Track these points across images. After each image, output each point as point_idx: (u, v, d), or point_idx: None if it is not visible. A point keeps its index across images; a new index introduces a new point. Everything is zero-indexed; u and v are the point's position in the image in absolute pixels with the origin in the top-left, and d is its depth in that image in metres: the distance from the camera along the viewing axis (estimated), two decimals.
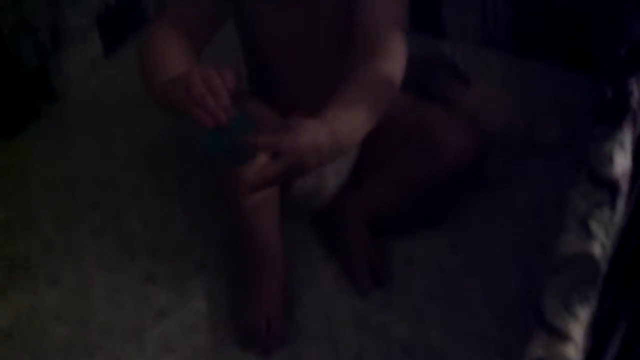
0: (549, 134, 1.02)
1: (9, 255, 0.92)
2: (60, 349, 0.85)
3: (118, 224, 0.95)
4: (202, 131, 0.67)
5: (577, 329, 0.57)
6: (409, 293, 0.88)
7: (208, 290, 0.90)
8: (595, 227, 0.66)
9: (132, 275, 0.91)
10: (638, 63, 0.84)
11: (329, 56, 0.88)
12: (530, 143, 1.02)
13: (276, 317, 0.86)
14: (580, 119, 1.04)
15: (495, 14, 1.21)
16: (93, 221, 0.96)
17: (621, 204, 0.71)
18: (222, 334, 0.86)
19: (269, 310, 0.86)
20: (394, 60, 0.81)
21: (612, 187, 0.71)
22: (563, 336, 0.57)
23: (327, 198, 0.94)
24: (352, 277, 0.91)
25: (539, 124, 1.03)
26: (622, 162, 0.71)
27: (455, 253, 0.92)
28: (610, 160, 0.72)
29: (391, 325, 0.85)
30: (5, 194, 1.00)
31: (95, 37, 1.21)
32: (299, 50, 0.88)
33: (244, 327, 0.86)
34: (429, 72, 1.12)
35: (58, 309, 0.88)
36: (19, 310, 0.88)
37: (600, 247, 0.64)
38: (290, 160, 0.67)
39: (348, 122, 0.74)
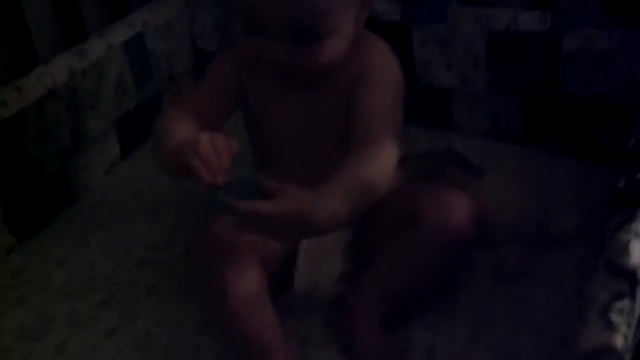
0: (566, 225, 1.02)
1: (23, 357, 0.91)
2: None
3: (133, 324, 0.94)
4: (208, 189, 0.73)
5: None
6: None
7: None
8: (616, 318, 0.65)
9: None
10: None
11: (330, 147, 0.91)
12: (546, 234, 1.02)
13: None
14: (596, 208, 1.04)
15: (505, 108, 1.23)
16: (108, 322, 0.95)
17: None
18: None
19: None
20: (384, 160, 0.84)
21: (630, 277, 0.70)
22: None
23: (331, 289, 0.93)
24: None
25: (555, 215, 1.03)
26: (639, 252, 0.71)
27: (477, 343, 0.89)
28: (626, 250, 0.71)
29: None
30: (20, 296, 1.00)
31: (114, 139, 1.24)
32: (300, 139, 0.92)
33: None
34: (439, 166, 1.13)
35: None
36: None
37: (622, 338, 0.63)
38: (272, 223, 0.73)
39: (330, 206, 0.77)
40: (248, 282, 0.85)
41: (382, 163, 0.84)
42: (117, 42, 1.22)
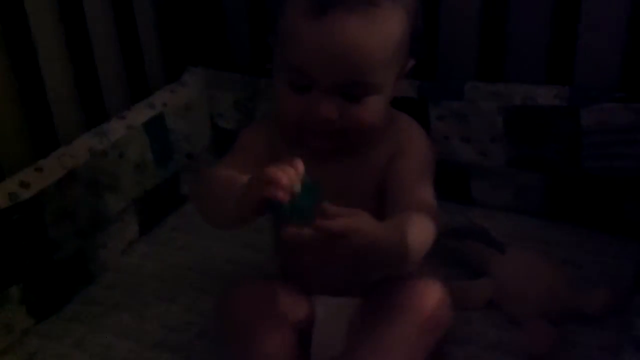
0: (594, 303, 0.99)
1: None
2: None
3: None
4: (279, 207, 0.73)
5: None
6: None
7: None
8: None
9: None
10: None
11: None
12: (574, 312, 0.99)
13: None
14: (624, 284, 1.02)
15: (526, 183, 1.22)
16: None
17: None
18: None
19: None
20: (431, 221, 0.83)
21: None
22: None
23: None
24: None
25: (583, 292, 1.00)
26: None
27: None
28: None
29: None
30: None
31: (133, 219, 1.24)
32: None
33: None
34: (462, 242, 1.12)
35: None
36: None
37: None
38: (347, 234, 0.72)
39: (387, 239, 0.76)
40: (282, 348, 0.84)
41: (428, 226, 0.83)
42: (138, 123, 1.24)
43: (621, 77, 1.13)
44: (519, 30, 1.19)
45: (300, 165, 0.75)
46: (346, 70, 0.81)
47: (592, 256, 1.12)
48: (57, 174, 1.08)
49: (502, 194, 1.26)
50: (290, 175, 0.74)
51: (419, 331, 0.83)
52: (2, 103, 1.09)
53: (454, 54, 1.25)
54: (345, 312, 0.92)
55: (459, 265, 1.12)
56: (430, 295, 0.86)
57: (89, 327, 1.06)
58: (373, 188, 0.90)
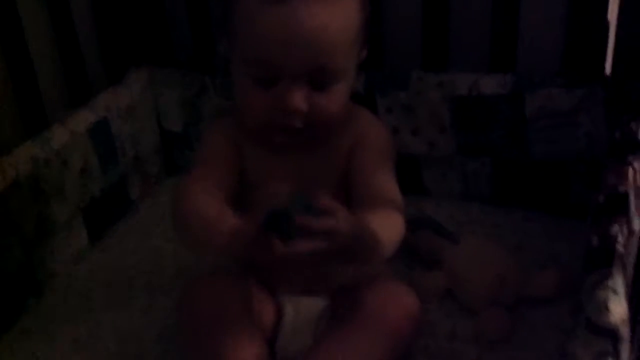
0: (545, 285, 1.01)
1: None
2: None
3: None
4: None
5: None
6: None
7: None
8: None
9: None
10: (618, 208, 0.85)
11: None
12: (526, 296, 1.01)
13: None
14: (573, 266, 1.04)
15: (475, 171, 1.24)
16: None
17: (625, 350, 0.69)
18: None
19: None
20: (399, 213, 0.85)
21: (612, 335, 0.69)
22: None
23: None
24: None
25: (533, 276, 1.02)
26: (618, 309, 0.70)
27: None
28: (606, 308, 0.71)
29: None
30: None
31: (81, 227, 1.22)
32: None
33: None
34: (414, 234, 1.12)
35: None
36: None
37: None
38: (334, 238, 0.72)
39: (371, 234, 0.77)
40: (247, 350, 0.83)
41: (396, 219, 0.84)
42: (81, 129, 1.21)
43: (562, 62, 1.15)
44: (461, 18, 1.20)
45: None
46: (314, 54, 0.80)
47: (542, 239, 1.14)
48: None
49: (452, 182, 1.27)
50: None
51: (384, 337, 0.84)
52: None
53: (398, 44, 1.26)
54: (312, 312, 0.91)
55: (412, 257, 1.12)
56: (398, 302, 0.86)
57: (41, 342, 1.03)
58: (336, 179, 0.90)
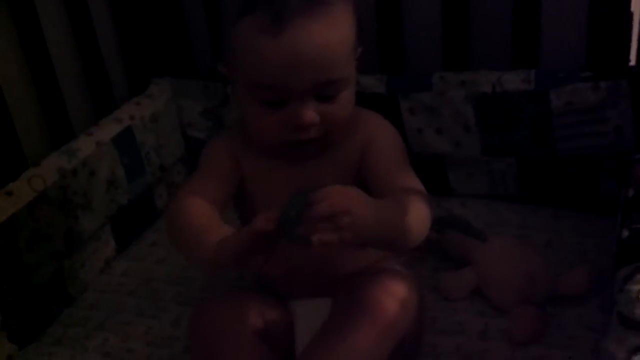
0: (576, 282, 1.00)
1: None
2: None
3: None
4: None
5: None
6: None
7: None
8: None
9: None
10: None
11: None
12: (557, 293, 0.99)
13: None
14: (604, 262, 1.03)
15: (501, 169, 1.23)
16: None
17: None
18: None
19: None
20: (426, 202, 0.84)
21: None
22: None
23: None
24: None
25: (564, 273, 1.01)
26: None
27: None
28: (638, 302, 0.69)
29: None
30: None
31: (109, 236, 1.23)
32: None
33: None
34: (442, 233, 1.12)
35: None
36: None
37: None
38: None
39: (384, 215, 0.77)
40: None
41: (424, 206, 0.84)
42: (106, 138, 1.22)
43: (586, 56, 1.14)
44: (482, 16, 1.19)
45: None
46: (318, 72, 0.81)
47: (571, 237, 1.13)
48: (27, 197, 1.06)
49: (479, 181, 1.26)
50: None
51: (380, 333, 0.82)
52: None
53: (419, 46, 1.25)
54: (323, 312, 0.90)
55: (441, 257, 1.12)
56: (392, 294, 0.84)
57: (72, 350, 1.05)
58: (349, 183, 0.89)
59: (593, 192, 1.17)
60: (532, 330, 0.95)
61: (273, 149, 0.88)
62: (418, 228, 0.82)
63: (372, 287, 0.84)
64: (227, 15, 0.86)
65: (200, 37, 1.39)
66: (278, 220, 0.74)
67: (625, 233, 0.81)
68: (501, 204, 1.24)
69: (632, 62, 1.11)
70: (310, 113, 0.82)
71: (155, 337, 1.05)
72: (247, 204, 0.95)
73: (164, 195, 1.37)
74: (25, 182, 1.07)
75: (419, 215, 0.82)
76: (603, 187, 1.16)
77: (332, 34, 0.81)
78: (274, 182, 0.91)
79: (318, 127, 0.84)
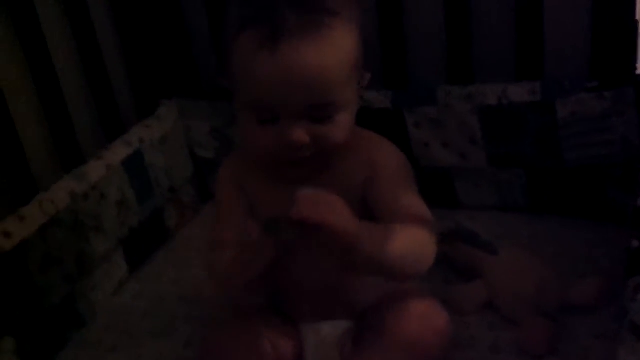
0: (587, 292, 0.99)
1: None
2: None
3: None
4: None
5: None
6: None
7: None
8: None
9: None
10: None
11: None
12: (568, 304, 0.99)
13: None
14: (615, 271, 1.02)
15: (508, 181, 1.23)
16: None
17: None
18: None
19: None
20: (429, 232, 0.84)
21: None
22: None
23: None
24: None
25: (575, 283, 1.01)
26: None
27: None
28: None
29: None
30: None
31: (120, 258, 1.24)
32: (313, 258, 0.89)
33: None
34: (452, 246, 1.12)
35: None
36: None
37: None
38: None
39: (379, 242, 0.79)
40: None
41: (423, 236, 0.84)
42: (116, 162, 1.23)
43: (590, 65, 1.14)
44: (485, 29, 1.20)
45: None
46: (310, 95, 0.81)
47: (581, 246, 1.13)
48: (39, 221, 1.07)
49: (486, 193, 1.26)
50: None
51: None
52: None
53: (423, 61, 1.26)
54: (334, 337, 0.91)
55: (451, 270, 1.11)
56: (427, 323, 0.85)
57: None
58: (353, 207, 0.89)
59: (601, 201, 1.17)
60: (545, 342, 0.95)
61: (271, 168, 0.88)
62: (415, 254, 0.82)
63: (403, 313, 0.85)
64: (224, 30, 0.86)
65: (207, 57, 1.40)
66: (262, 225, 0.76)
67: (636, 243, 0.81)
68: (510, 215, 1.23)
69: (638, 70, 1.11)
70: (299, 133, 0.82)
71: (169, 358, 1.05)
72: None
73: (173, 216, 1.37)
74: (37, 206, 1.08)
75: (421, 243, 0.82)
76: (611, 196, 1.16)
77: (328, 57, 0.80)
78: (277, 204, 0.89)
79: (310, 147, 0.84)
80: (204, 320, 1.11)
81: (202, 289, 1.19)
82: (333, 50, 0.81)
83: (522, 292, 0.99)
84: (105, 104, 1.30)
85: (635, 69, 1.11)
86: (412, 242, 0.82)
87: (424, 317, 0.86)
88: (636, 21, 1.09)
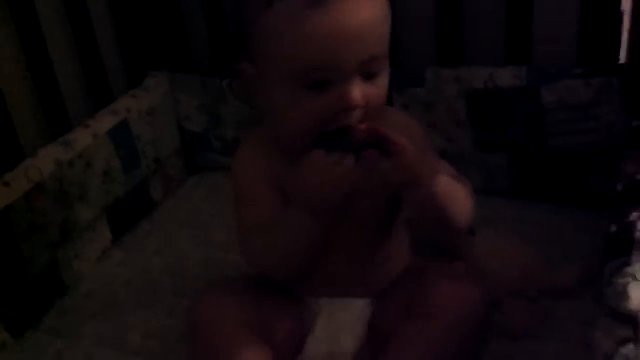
0: (568, 276, 1.01)
1: None
2: None
3: None
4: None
5: None
6: None
7: None
8: None
9: None
10: (636, 196, 0.85)
11: (375, 217, 0.90)
12: (549, 287, 1.01)
13: None
14: (596, 256, 1.04)
15: (493, 165, 1.24)
16: None
17: None
18: None
19: None
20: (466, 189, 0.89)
21: (633, 321, 0.69)
22: None
23: None
24: None
25: (556, 267, 1.02)
26: (638, 295, 0.70)
27: None
28: (626, 295, 0.71)
29: None
30: None
31: (104, 227, 1.24)
32: (341, 233, 0.89)
33: None
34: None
35: None
36: None
37: None
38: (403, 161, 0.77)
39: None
40: None
41: (464, 186, 0.87)
42: (103, 131, 1.23)
43: (578, 53, 1.15)
44: (475, 13, 1.20)
45: None
46: (365, 47, 0.79)
47: (563, 231, 1.14)
48: (24, 187, 1.07)
49: (471, 177, 1.26)
50: None
51: (453, 334, 0.84)
52: None
53: (412, 41, 1.26)
54: (350, 315, 0.91)
55: (433, 251, 1.12)
56: (467, 296, 0.86)
57: (68, 339, 1.05)
58: (387, 208, 0.89)
59: (583, 188, 1.19)
60: (526, 324, 0.96)
61: (300, 148, 0.83)
62: (466, 205, 0.86)
63: (442, 292, 0.85)
64: (244, 9, 0.83)
65: (198, 31, 1.39)
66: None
67: (614, 227, 0.82)
68: (493, 199, 1.24)
69: (623, 60, 1.13)
70: (357, 92, 0.79)
71: (150, 327, 1.06)
72: None
73: (159, 187, 1.38)
74: (22, 172, 1.08)
75: (467, 194, 0.86)
76: (593, 183, 1.17)
77: (377, 8, 0.80)
78: (306, 186, 0.85)
79: (360, 111, 0.81)
80: (187, 290, 1.12)
81: (185, 259, 1.20)
82: (379, 2, 0.81)
83: (502, 274, 1.00)
84: (94, 73, 1.30)
85: (618, 59, 1.13)
86: (463, 192, 0.85)
87: (457, 292, 0.86)
88: (621, 12, 1.10)
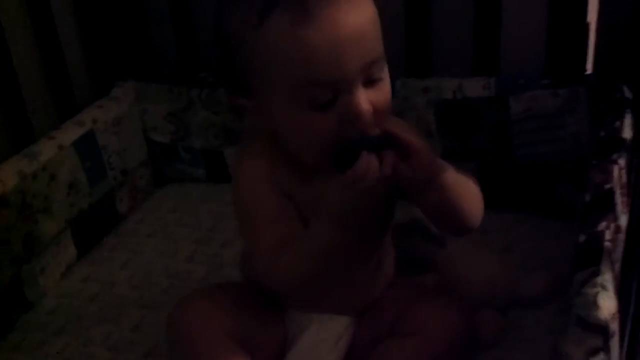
0: (536, 286, 1.01)
1: None
2: None
3: None
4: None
5: None
6: None
7: None
8: None
9: None
10: (604, 205, 0.86)
11: (379, 220, 0.89)
12: (517, 297, 1.01)
13: None
14: (563, 266, 1.04)
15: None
16: None
17: (615, 345, 0.69)
18: None
19: None
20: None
21: (602, 331, 0.69)
22: None
23: None
24: None
25: (524, 277, 1.02)
26: (607, 305, 0.70)
27: None
28: (595, 304, 0.71)
29: None
30: None
31: (69, 241, 1.21)
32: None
33: None
34: (406, 238, 1.12)
35: None
36: None
37: None
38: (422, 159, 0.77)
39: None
40: None
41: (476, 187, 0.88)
42: (68, 142, 1.21)
43: (545, 64, 1.16)
44: (443, 24, 1.21)
45: None
46: (364, 50, 0.77)
47: (531, 241, 1.15)
48: None
49: None
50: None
51: (435, 353, 0.84)
52: None
53: None
54: (335, 331, 0.91)
55: (405, 262, 1.12)
56: (443, 321, 0.86)
57: (32, 356, 1.03)
58: (384, 187, 0.85)
59: (551, 197, 1.19)
60: (495, 334, 0.96)
61: (308, 163, 0.82)
62: (479, 204, 0.88)
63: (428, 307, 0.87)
64: (233, 34, 0.80)
65: (165, 40, 1.38)
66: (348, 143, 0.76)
67: (582, 237, 0.83)
68: None
69: (589, 71, 1.14)
70: (364, 100, 0.77)
71: (116, 342, 1.04)
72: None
73: (125, 200, 1.35)
74: None
75: (477, 192, 0.87)
76: (561, 192, 1.18)
77: (365, 11, 0.78)
78: (316, 201, 0.83)
79: (370, 118, 0.78)
80: (153, 304, 1.10)
81: (151, 274, 1.18)
82: (365, 4, 0.79)
83: (471, 284, 1.01)
84: (59, 83, 1.28)
85: (585, 69, 1.14)
86: (476, 189, 0.86)
87: (442, 312, 0.87)
88: (587, 24, 1.11)
